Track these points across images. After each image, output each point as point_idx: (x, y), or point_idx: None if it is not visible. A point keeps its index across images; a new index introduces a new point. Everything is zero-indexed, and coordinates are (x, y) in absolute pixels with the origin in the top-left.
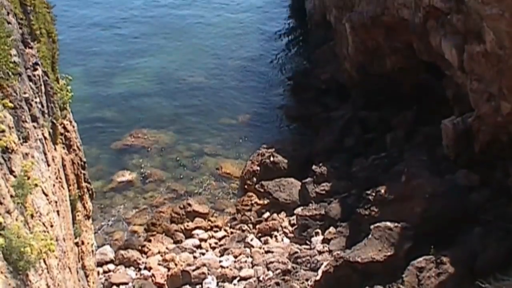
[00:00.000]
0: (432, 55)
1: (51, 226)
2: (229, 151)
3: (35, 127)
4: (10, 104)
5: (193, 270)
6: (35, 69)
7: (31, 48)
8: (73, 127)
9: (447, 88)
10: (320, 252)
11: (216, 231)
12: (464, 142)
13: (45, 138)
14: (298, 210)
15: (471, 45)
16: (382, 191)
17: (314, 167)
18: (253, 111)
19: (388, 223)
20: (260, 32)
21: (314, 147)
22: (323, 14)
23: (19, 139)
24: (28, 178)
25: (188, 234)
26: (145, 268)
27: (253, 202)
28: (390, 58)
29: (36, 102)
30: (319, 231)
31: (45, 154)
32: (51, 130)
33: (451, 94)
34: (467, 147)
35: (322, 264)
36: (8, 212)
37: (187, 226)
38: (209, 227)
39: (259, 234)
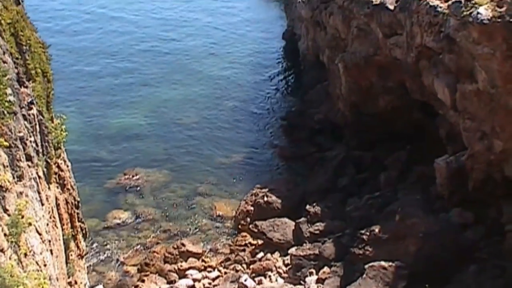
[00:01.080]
0: (425, 94)
1: (45, 265)
2: (223, 191)
3: (29, 166)
4: (5, 143)
5: None
6: (30, 108)
7: (26, 87)
8: (67, 166)
9: (440, 127)
10: None
11: (210, 271)
12: (457, 180)
13: (39, 177)
14: (292, 250)
15: (464, 84)
16: (376, 230)
17: (308, 207)
18: (247, 151)
19: (383, 263)
20: (254, 73)
21: (308, 187)
22: (316, 55)
23: (13, 177)
24: (22, 217)
25: (182, 274)
26: None
27: (247, 242)
28: (383, 97)
29: (30, 141)
30: (313, 271)
31: (39, 193)
32: (45, 169)
33: (444, 133)
34: (461, 186)
35: None
36: (2, 250)
37: (181, 266)
38: (203, 267)
39: (253, 274)
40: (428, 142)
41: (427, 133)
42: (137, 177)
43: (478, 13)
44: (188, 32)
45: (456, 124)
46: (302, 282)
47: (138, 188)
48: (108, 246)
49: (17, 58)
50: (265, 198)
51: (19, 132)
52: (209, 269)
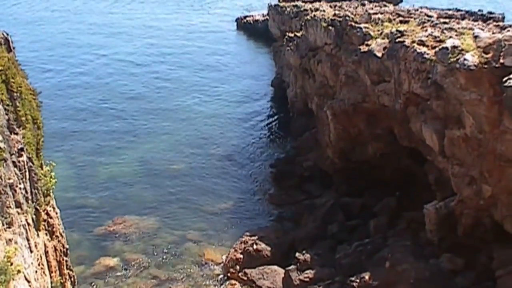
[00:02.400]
0: (413, 140)
1: None
2: (212, 238)
3: (18, 213)
4: None
5: None
6: (20, 155)
7: (17, 134)
8: (56, 213)
9: (429, 173)
10: None
11: None
12: (447, 226)
13: (28, 224)
14: None
15: (451, 130)
16: (367, 277)
17: (297, 254)
18: (236, 198)
19: None
20: (243, 120)
21: (297, 234)
22: (304, 102)
23: (2, 224)
24: (11, 264)
25: None
26: None
27: None
28: (371, 144)
29: (20, 188)
30: None
31: (28, 240)
32: (34, 216)
33: (433, 179)
34: (451, 231)
35: None
36: None
37: None
38: None
39: None
40: (417, 188)
41: (416, 179)
42: (126, 224)
43: (464, 59)
44: (175, 79)
45: (444, 170)
46: None
47: (127, 235)
48: None
49: (7, 105)
50: (255, 246)
51: (9, 179)
52: None
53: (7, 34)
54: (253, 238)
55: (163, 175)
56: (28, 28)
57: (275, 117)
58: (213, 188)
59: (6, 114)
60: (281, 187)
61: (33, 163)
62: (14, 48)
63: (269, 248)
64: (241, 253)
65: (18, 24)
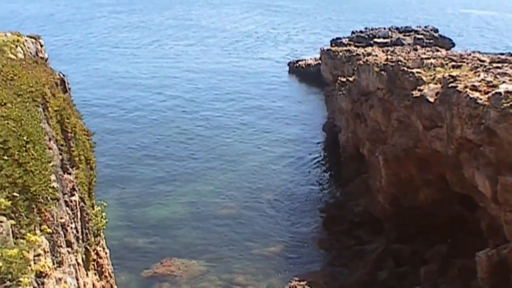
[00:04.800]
0: (466, 186)
1: None
2: (260, 282)
3: (69, 252)
4: (48, 230)
5: None
6: (72, 195)
7: (70, 174)
8: (106, 253)
9: (481, 220)
10: None
11: None
12: (499, 274)
13: (78, 264)
14: None
15: (504, 176)
16: None
17: None
18: (285, 242)
19: None
20: (294, 164)
21: (347, 281)
22: (356, 147)
23: (53, 263)
24: None
25: None
26: None
27: None
28: (423, 190)
29: (71, 228)
30: None
31: (77, 280)
32: (84, 256)
33: (485, 226)
34: (503, 280)
35: None
36: None
37: None
38: None
39: None
40: (468, 235)
41: (468, 226)
42: (174, 266)
43: None
44: (226, 121)
45: (497, 217)
46: None
47: (174, 278)
48: None
49: (62, 145)
50: None
51: (61, 218)
52: None
53: (63, 75)
54: (302, 283)
55: (212, 217)
56: (85, 66)
57: (326, 161)
58: (262, 231)
59: (60, 154)
60: (331, 232)
61: (85, 203)
62: (69, 88)
63: None
64: None
65: (74, 61)
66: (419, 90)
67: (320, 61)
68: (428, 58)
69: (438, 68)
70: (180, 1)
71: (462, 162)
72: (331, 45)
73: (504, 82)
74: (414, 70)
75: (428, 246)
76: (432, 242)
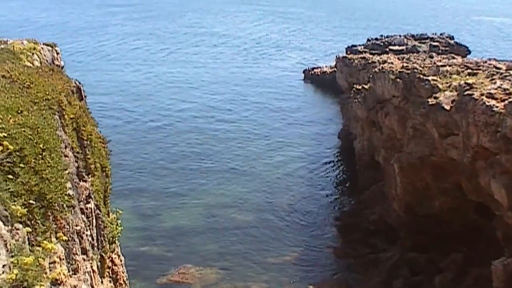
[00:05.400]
0: (481, 195)
1: None
2: None
3: (84, 260)
4: (64, 237)
5: None
6: (88, 202)
7: (85, 181)
8: (121, 261)
9: (497, 229)
10: None
11: None
12: None
13: (93, 271)
14: None
15: None
16: None
17: None
18: (300, 250)
19: None
20: (309, 172)
21: None
22: (371, 155)
23: (68, 271)
24: None
25: None
26: None
27: None
28: (438, 198)
29: (87, 235)
30: None
31: (92, 287)
32: (99, 263)
33: (501, 235)
34: None
35: None
36: None
37: None
38: None
39: None
40: (484, 244)
41: (484, 234)
42: (189, 274)
43: None
44: (241, 129)
45: None
46: None
47: (189, 285)
48: None
49: (77, 153)
50: None
51: (77, 225)
52: None
53: (79, 83)
54: None
55: (227, 225)
56: (99, 74)
57: (342, 169)
58: (277, 239)
59: (76, 162)
60: (346, 240)
61: (100, 211)
62: (85, 96)
63: None
64: None
65: (88, 69)
66: (435, 97)
67: (335, 69)
68: (444, 66)
69: (454, 76)
70: (193, 9)
71: (478, 170)
72: (347, 53)
73: None
74: (430, 78)
75: (444, 254)
76: (447, 251)
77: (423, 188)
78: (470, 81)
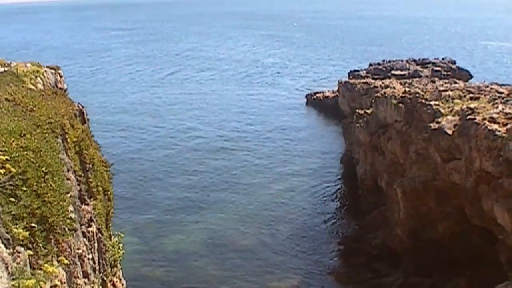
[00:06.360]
0: (485, 219)
1: None
2: None
3: (86, 283)
4: (66, 261)
5: None
6: (90, 226)
7: (88, 204)
8: (122, 284)
9: (500, 253)
10: None
11: None
12: None
13: None
14: None
15: None
16: None
17: None
18: (303, 274)
19: None
20: (311, 196)
21: None
22: (374, 179)
23: None
24: None
25: None
26: None
27: None
28: (441, 223)
29: (88, 259)
30: None
31: None
32: (100, 287)
33: (505, 259)
34: None
35: None
36: None
37: None
38: None
39: None
40: (488, 268)
41: (487, 258)
42: None
43: None
44: (244, 152)
45: None
46: None
47: None
48: None
49: (80, 176)
50: None
51: (78, 249)
52: None
53: (82, 106)
54: None
55: (229, 248)
56: (101, 96)
57: (344, 193)
58: (279, 263)
59: (78, 185)
60: (348, 264)
61: (102, 234)
62: (88, 119)
63: None
64: None
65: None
66: (437, 122)
67: (338, 93)
68: (446, 90)
69: (456, 100)
70: (194, 33)
71: (481, 194)
72: (349, 77)
73: None
74: (432, 102)
75: (447, 279)
76: (450, 275)
77: (426, 212)
78: (472, 105)
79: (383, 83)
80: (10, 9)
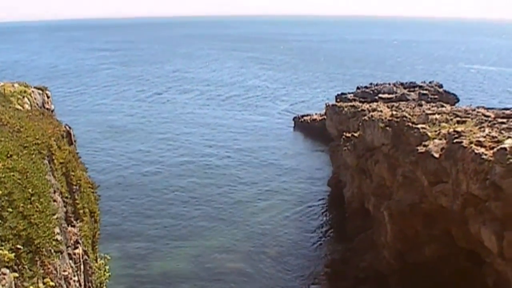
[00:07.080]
0: (471, 242)
1: None
2: None
3: None
4: (51, 283)
5: None
6: (76, 248)
7: (74, 226)
8: None
9: (488, 276)
10: None
11: None
12: None
13: None
14: None
15: (511, 232)
16: None
17: None
18: None
19: None
20: (299, 220)
21: None
22: (361, 202)
23: None
24: None
25: None
26: None
27: None
28: (429, 245)
29: (74, 281)
30: None
31: None
32: None
33: (492, 282)
34: None
35: None
36: None
37: None
38: None
39: None
40: None
41: (474, 281)
42: None
43: None
44: (231, 176)
45: (503, 272)
46: None
47: None
48: None
49: (66, 197)
50: None
51: (64, 271)
52: None
53: (69, 127)
54: None
55: (216, 272)
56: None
57: (331, 216)
58: (267, 287)
59: (65, 207)
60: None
61: (88, 256)
62: (75, 141)
63: None
64: None
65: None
66: (424, 145)
67: (325, 116)
68: (433, 114)
69: (443, 124)
70: (181, 55)
71: (468, 217)
72: (336, 100)
73: (509, 137)
74: (419, 126)
75: None
76: None
77: (413, 235)
78: (459, 129)
79: (370, 106)
80: None
